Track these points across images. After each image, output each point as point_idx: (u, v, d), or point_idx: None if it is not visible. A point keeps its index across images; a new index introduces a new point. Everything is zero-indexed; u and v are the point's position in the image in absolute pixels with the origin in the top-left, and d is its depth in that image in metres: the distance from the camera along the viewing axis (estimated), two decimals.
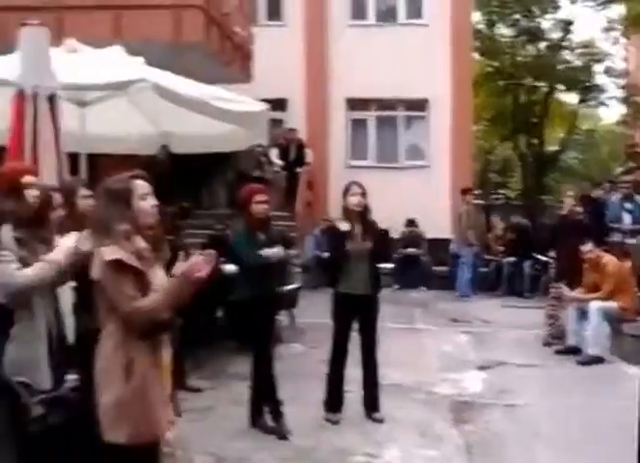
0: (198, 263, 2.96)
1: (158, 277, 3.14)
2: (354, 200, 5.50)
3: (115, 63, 6.34)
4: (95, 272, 3.03)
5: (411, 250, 13.36)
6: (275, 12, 15.49)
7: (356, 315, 5.59)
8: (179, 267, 2.98)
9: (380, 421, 5.52)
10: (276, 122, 14.01)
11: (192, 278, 2.95)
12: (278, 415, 5.23)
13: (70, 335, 4.11)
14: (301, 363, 7.12)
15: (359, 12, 15.49)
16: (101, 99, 6.29)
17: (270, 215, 5.50)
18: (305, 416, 5.49)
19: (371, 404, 5.61)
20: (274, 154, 13.53)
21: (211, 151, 8.68)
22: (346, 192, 5.56)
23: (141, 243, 3.06)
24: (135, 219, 3.05)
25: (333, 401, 5.57)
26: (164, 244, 3.32)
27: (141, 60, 6.68)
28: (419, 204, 13.88)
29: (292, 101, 15.06)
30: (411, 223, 13.65)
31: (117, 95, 6.21)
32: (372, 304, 5.62)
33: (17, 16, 6.78)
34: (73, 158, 5.87)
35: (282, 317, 8.40)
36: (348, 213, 5.54)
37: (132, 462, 3.05)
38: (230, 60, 11.55)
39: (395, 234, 12.68)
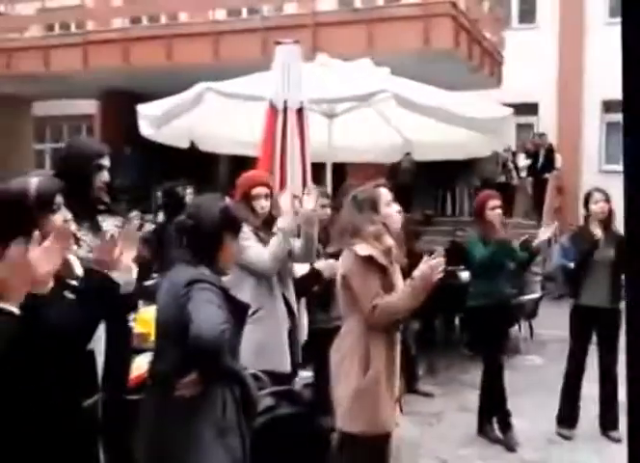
0: (435, 268, 3.08)
1: (398, 278, 3.30)
2: (597, 207, 5.29)
3: (361, 75, 6.63)
4: (344, 267, 3.26)
5: None
6: (528, 15, 15.11)
7: (596, 329, 5.36)
8: (419, 270, 3.12)
9: (617, 440, 5.19)
10: (525, 127, 13.70)
11: (430, 282, 3.08)
12: (506, 426, 5.16)
13: (303, 333, 4.41)
14: (537, 375, 6.88)
15: (618, 9, 14.55)
16: (347, 111, 6.62)
17: (505, 221, 5.44)
18: (535, 429, 5.34)
19: (609, 422, 5.30)
20: (521, 160, 13.20)
21: (454, 159, 8.71)
22: (588, 199, 5.37)
23: (390, 241, 3.23)
24: (383, 223, 3.24)
25: (568, 416, 5.36)
26: (403, 249, 3.46)
27: (387, 70, 6.91)
28: None
29: (543, 105, 14.57)
30: None
31: (362, 105, 6.50)
32: (614, 317, 5.30)
33: (277, 35, 7.35)
34: (320, 167, 6.24)
35: (521, 328, 8.21)
36: (591, 221, 5.34)
37: (364, 453, 3.22)
38: (479, 65, 11.47)
39: None
